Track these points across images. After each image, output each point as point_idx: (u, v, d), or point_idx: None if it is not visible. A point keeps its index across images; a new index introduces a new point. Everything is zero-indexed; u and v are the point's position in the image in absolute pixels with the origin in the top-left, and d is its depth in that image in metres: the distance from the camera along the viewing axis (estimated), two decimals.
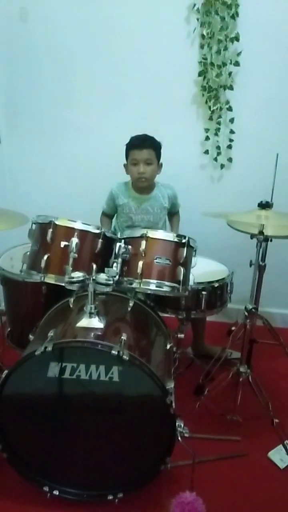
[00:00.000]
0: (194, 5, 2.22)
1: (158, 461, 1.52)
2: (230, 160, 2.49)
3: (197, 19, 2.25)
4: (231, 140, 2.44)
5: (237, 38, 2.24)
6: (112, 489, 1.55)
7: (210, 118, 2.40)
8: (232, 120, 2.40)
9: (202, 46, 2.29)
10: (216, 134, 2.43)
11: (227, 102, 2.36)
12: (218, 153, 2.47)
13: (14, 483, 1.60)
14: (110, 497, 1.55)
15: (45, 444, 1.56)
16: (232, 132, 2.42)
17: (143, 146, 2.11)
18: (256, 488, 1.68)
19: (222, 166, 2.51)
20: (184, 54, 2.32)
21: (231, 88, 2.33)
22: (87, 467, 1.57)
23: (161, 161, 2.20)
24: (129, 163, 2.16)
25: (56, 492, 1.56)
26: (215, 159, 2.49)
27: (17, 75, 2.50)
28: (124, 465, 1.56)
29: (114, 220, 2.37)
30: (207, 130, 2.43)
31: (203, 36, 2.25)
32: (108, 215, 2.35)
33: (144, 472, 1.56)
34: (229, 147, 2.46)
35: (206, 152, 2.49)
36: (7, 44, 2.43)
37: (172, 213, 2.38)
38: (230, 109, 2.38)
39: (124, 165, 2.20)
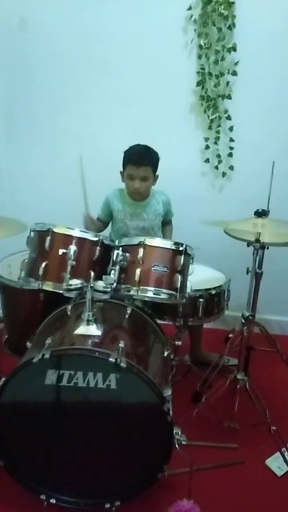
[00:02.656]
0: (191, 16, 2.25)
1: (155, 468, 1.52)
2: (231, 168, 2.51)
3: (195, 30, 2.28)
4: (231, 148, 2.46)
5: (234, 48, 2.27)
6: (110, 497, 1.55)
7: (210, 127, 2.43)
8: (231, 129, 2.43)
9: (199, 56, 2.31)
10: (215, 143, 2.46)
11: (226, 111, 2.39)
12: (219, 161, 2.49)
13: (11, 491, 1.59)
14: (108, 505, 1.54)
15: (43, 451, 1.56)
16: (231, 140, 2.45)
17: (141, 163, 2.07)
18: (254, 495, 1.68)
19: (224, 174, 2.52)
20: (181, 64, 2.35)
21: (229, 97, 2.36)
22: (85, 475, 1.56)
23: (157, 172, 2.20)
24: (125, 176, 2.15)
25: (53, 501, 1.55)
26: (216, 168, 2.51)
27: (16, 83, 2.52)
28: (122, 473, 1.55)
29: (110, 227, 2.37)
30: (206, 139, 2.46)
31: (200, 47, 2.29)
32: (102, 221, 2.33)
33: (141, 480, 1.55)
34: (230, 155, 2.48)
35: (207, 160, 2.51)
36: (6, 53, 2.46)
37: (165, 222, 2.37)
38: (229, 118, 2.40)
39: (121, 172, 2.21)
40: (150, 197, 2.27)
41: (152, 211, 2.26)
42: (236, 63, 2.30)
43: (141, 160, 2.08)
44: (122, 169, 2.19)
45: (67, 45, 2.41)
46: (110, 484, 1.56)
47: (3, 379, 1.46)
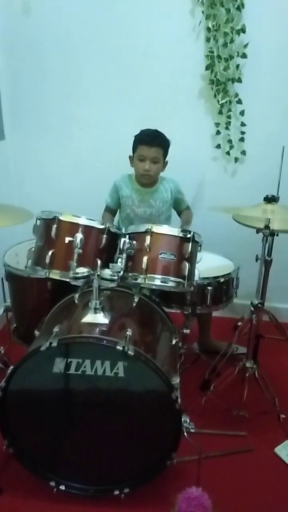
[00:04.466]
0: None
1: (164, 456, 1.52)
2: (243, 153, 2.45)
3: (202, 12, 2.22)
4: (243, 133, 2.41)
5: (243, 30, 2.21)
6: (118, 484, 1.56)
7: (220, 112, 2.37)
8: (242, 113, 2.37)
9: (208, 39, 2.26)
10: (227, 128, 2.41)
11: (236, 95, 2.33)
12: (231, 147, 2.44)
13: (20, 478, 1.61)
14: (116, 492, 1.55)
15: (51, 439, 1.57)
16: (243, 124, 2.39)
17: (153, 144, 2.08)
18: (263, 483, 1.67)
19: (236, 159, 2.47)
20: (190, 48, 2.30)
21: (239, 80, 2.30)
22: (93, 462, 1.57)
23: (167, 159, 2.18)
24: (136, 157, 2.14)
25: (62, 487, 1.57)
26: (228, 153, 2.46)
27: (21, 71, 2.49)
28: (130, 460, 1.56)
29: (117, 214, 2.36)
30: (217, 124, 2.40)
31: (208, 29, 2.23)
32: (111, 210, 2.33)
33: (150, 468, 1.56)
34: (242, 140, 2.43)
35: (218, 146, 2.46)
36: (11, 39, 2.42)
37: (180, 211, 2.35)
38: (239, 101, 2.35)
39: (130, 157, 2.19)
40: (158, 183, 2.25)
41: (159, 198, 2.24)
42: (245, 45, 2.24)
43: (153, 140, 2.09)
44: (131, 154, 2.17)
45: (73, 32, 2.36)
46: (119, 471, 1.57)
47: (12, 367, 1.46)
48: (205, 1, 2.19)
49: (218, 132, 2.42)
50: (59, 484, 1.57)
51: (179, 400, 1.45)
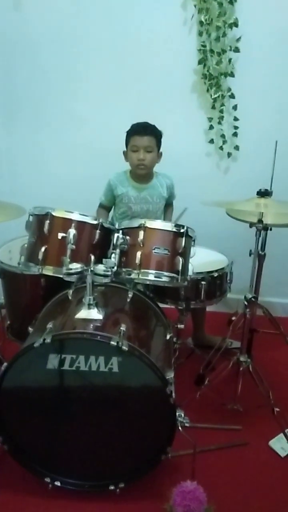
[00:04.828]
0: None
1: (159, 450, 1.53)
2: (237, 148, 2.46)
3: (194, 6, 2.21)
4: (236, 128, 2.41)
5: (236, 24, 2.20)
6: (114, 479, 1.56)
7: (213, 107, 2.37)
8: (235, 107, 2.37)
9: (200, 33, 2.25)
10: (219, 123, 2.40)
11: (229, 90, 2.33)
12: (224, 142, 2.44)
13: (15, 474, 1.60)
14: (112, 487, 1.55)
15: (46, 435, 1.57)
16: (236, 119, 2.39)
17: (144, 133, 2.09)
18: (257, 476, 1.68)
19: (229, 154, 2.48)
20: (182, 42, 2.29)
21: (232, 75, 2.30)
22: (88, 457, 1.57)
23: (161, 150, 2.18)
24: (129, 150, 2.14)
25: (57, 483, 1.56)
26: (221, 148, 2.46)
27: (15, 64, 2.46)
28: (125, 455, 1.56)
29: (112, 211, 2.35)
30: (210, 119, 2.40)
31: (201, 23, 2.22)
32: (105, 207, 2.32)
33: (145, 462, 1.56)
34: (235, 134, 2.42)
35: (211, 141, 2.46)
36: (3, 33, 2.39)
37: (167, 204, 2.35)
38: (232, 96, 2.34)
39: (124, 152, 2.18)
40: (154, 178, 2.24)
41: (156, 194, 2.23)
42: (238, 39, 2.24)
43: (144, 129, 2.10)
44: (125, 149, 2.16)
45: (66, 24, 2.35)
46: (114, 466, 1.57)
47: (5, 364, 1.46)
48: None
49: (211, 127, 2.42)
50: (54, 480, 1.57)
51: (173, 394, 1.46)
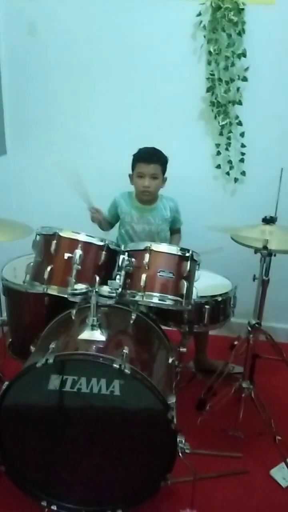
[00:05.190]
0: (201, 22, 2.25)
1: (158, 477, 1.50)
2: (243, 173, 2.49)
3: (204, 36, 2.27)
4: (242, 154, 2.45)
5: (244, 54, 2.26)
6: (111, 505, 1.53)
7: (221, 133, 2.41)
8: (242, 134, 2.41)
9: (209, 63, 2.31)
10: (227, 149, 2.44)
11: (237, 117, 2.38)
12: (231, 167, 2.47)
13: (12, 496, 1.58)
14: None
15: (44, 457, 1.55)
16: (243, 146, 2.43)
17: (151, 160, 2.12)
18: (257, 506, 1.65)
19: (236, 180, 2.50)
20: (191, 70, 2.34)
21: (239, 103, 2.35)
22: (86, 481, 1.55)
23: (166, 175, 2.21)
24: (135, 175, 2.18)
25: (54, 507, 1.54)
26: (228, 173, 2.49)
27: (24, 87, 2.53)
28: (124, 480, 1.54)
29: (116, 231, 2.37)
30: (218, 145, 2.44)
31: (210, 53, 2.28)
32: (107, 222, 2.34)
33: (144, 488, 1.53)
34: (242, 160, 2.46)
35: (218, 166, 2.49)
36: (15, 57, 2.47)
37: (173, 230, 2.37)
38: (240, 123, 2.38)
39: (129, 176, 2.22)
40: (157, 201, 2.27)
41: (159, 215, 2.26)
42: (246, 69, 2.29)
43: (151, 157, 2.13)
44: (131, 172, 2.20)
45: (76, 51, 2.41)
46: (112, 491, 1.55)
47: (6, 382, 1.45)
48: (207, 26, 2.24)
49: (218, 153, 2.46)
50: (50, 504, 1.54)
51: (174, 420, 1.44)
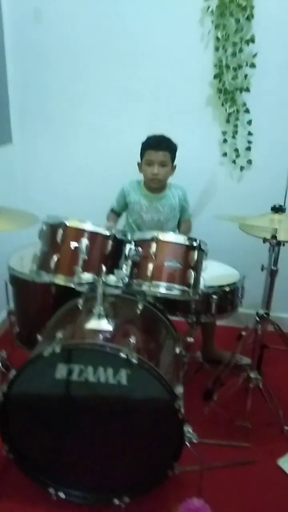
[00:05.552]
0: (208, 7, 2.20)
1: (165, 466, 1.51)
2: (250, 162, 2.46)
3: (212, 22, 2.23)
4: (249, 142, 2.42)
5: (252, 40, 2.21)
6: (119, 494, 1.54)
7: (227, 121, 2.38)
8: (250, 122, 2.37)
9: (217, 49, 2.27)
10: (233, 137, 2.41)
11: (244, 104, 2.34)
12: (237, 155, 2.44)
13: (20, 484, 1.59)
14: (116, 502, 1.53)
15: (52, 446, 1.56)
16: (250, 134, 2.40)
17: (160, 147, 2.11)
18: (265, 495, 1.65)
19: (241, 168, 2.47)
20: (198, 57, 2.31)
21: (247, 90, 2.31)
22: (94, 470, 1.55)
23: (175, 163, 2.19)
24: (144, 163, 2.16)
25: (62, 495, 1.55)
26: (234, 162, 2.46)
27: (30, 76, 2.51)
28: (131, 469, 1.54)
29: (124, 219, 2.36)
30: (224, 133, 2.41)
31: (217, 39, 2.23)
32: (116, 213, 2.35)
33: (151, 477, 1.54)
34: (248, 149, 2.43)
35: (225, 154, 2.46)
36: (20, 45, 2.44)
37: (182, 221, 2.35)
38: (247, 111, 2.35)
39: (138, 164, 2.20)
40: (166, 189, 2.25)
41: (167, 204, 2.24)
42: (254, 55, 2.25)
43: (160, 144, 2.12)
44: (139, 160, 2.19)
45: (82, 38, 2.39)
46: (119, 480, 1.56)
47: (14, 371, 1.46)
48: (214, 11, 2.20)
49: (225, 140, 2.43)
50: (58, 491, 1.55)
51: (182, 409, 1.44)
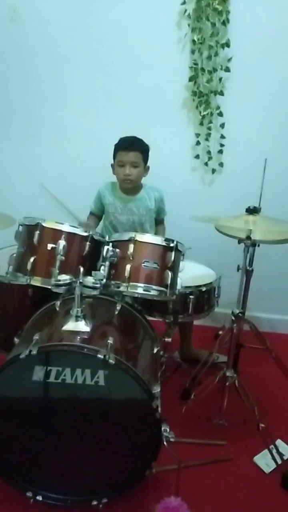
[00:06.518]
0: (185, 10, 2.23)
1: (143, 465, 1.52)
2: (221, 165, 2.50)
3: (188, 25, 2.26)
4: (222, 145, 2.45)
5: (227, 44, 2.25)
6: (97, 494, 1.54)
7: (201, 123, 2.41)
8: (222, 125, 2.41)
9: (193, 52, 2.30)
10: (206, 139, 2.44)
11: (218, 108, 2.38)
12: (209, 158, 2.48)
13: None
14: (94, 502, 1.53)
15: (29, 448, 1.54)
16: (222, 137, 2.44)
17: (130, 148, 2.12)
18: (242, 492, 1.68)
19: (213, 170, 2.51)
20: (175, 59, 2.33)
21: (221, 93, 2.34)
22: (72, 471, 1.55)
23: (148, 164, 2.20)
24: (116, 164, 2.17)
25: (39, 498, 1.54)
26: (206, 164, 2.50)
27: (8, 76, 2.48)
28: (109, 469, 1.54)
29: (101, 221, 2.36)
30: (197, 135, 2.44)
31: (194, 42, 2.27)
32: (95, 215, 2.35)
33: (129, 477, 1.54)
34: (220, 152, 2.47)
35: (197, 156, 2.49)
36: None
37: (158, 221, 2.37)
38: (220, 114, 2.39)
39: (111, 165, 2.21)
40: (141, 191, 2.26)
41: (142, 206, 2.25)
42: (229, 59, 2.29)
43: (131, 145, 2.13)
44: (113, 162, 2.18)
45: (61, 38, 2.38)
46: (97, 481, 1.56)
47: None
48: (191, 14, 2.23)
49: (198, 143, 2.46)
50: (36, 494, 1.54)
51: (159, 409, 1.45)
